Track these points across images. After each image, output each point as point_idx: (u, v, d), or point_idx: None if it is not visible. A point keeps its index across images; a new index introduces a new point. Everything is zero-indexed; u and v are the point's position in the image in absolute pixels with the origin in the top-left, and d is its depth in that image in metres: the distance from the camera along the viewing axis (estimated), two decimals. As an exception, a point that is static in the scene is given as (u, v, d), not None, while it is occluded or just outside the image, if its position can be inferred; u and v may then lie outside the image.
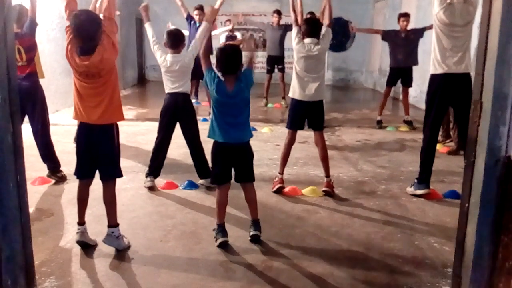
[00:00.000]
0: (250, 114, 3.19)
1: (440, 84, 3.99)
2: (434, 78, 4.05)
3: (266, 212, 3.65)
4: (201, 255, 3.04)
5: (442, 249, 3.16)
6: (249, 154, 3.20)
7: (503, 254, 2.03)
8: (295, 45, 4.07)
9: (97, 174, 3.05)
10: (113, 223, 3.04)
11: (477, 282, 2.14)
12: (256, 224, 3.24)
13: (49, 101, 4.88)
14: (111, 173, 3.04)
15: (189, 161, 4.43)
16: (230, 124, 3.06)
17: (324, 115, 4.21)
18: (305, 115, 4.11)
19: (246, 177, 3.21)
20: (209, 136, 3.13)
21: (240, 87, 3.03)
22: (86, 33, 2.80)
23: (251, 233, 3.20)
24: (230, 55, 3.01)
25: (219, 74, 3.05)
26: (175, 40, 4.14)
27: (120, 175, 3.08)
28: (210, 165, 3.27)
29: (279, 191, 4.17)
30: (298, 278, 2.78)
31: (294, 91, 4.09)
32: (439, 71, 3.97)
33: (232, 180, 3.21)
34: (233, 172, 3.20)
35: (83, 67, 2.82)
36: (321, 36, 4.03)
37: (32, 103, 4.21)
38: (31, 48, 4.17)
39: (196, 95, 8.96)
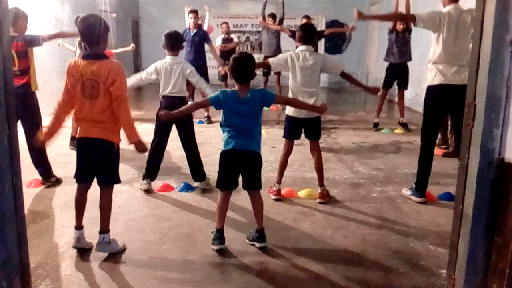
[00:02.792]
0: None
1: (436, 95, 3.94)
2: (430, 89, 4.00)
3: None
4: (197, 257, 3.04)
5: (437, 251, 3.18)
6: (260, 162, 3.16)
7: (497, 256, 2.05)
8: (291, 69, 3.91)
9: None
10: (105, 229, 3.03)
11: (471, 283, 2.15)
12: (262, 235, 3.20)
13: (45, 103, 4.89)
14: (109, 179, 3.04)
15: (186, 163, 4.43)
16: (241, 133, 3.05)
17: (320, 127, 4.10)
18: (302, 127, 4.04)
19: (254, 184, 3.18)
20: (223, 149, 3.09)
21: (254, 97, 3.04)
22: (92, 36, 2.83)
23: (259, 246, 3.16)
24: (244, 64, 3.04)
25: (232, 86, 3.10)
26: (174, 42, 4.15)
27: (117, 181, 3.08)
28: (215, 170, 3.25)
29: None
30: (294, 280, 2.78)
31: (290, 108, 3.99)
32: (436, 81, 3.92)
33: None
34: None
35: (90, 74, 2.81)
36: (328, 59, 4.02)
37: (25, 109, 4.18)
38: (24, 55, 4.15)
39: (192, 97, 8.97)
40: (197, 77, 4.26)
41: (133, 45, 7.72)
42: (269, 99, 3.12)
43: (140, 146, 2.98)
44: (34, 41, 4.24)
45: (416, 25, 3.97)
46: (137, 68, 13.86)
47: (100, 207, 3.04)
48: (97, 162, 2.98)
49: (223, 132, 3.13)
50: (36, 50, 4.38)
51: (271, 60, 4.04)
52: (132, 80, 4.18)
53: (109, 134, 2.93)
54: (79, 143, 3.01)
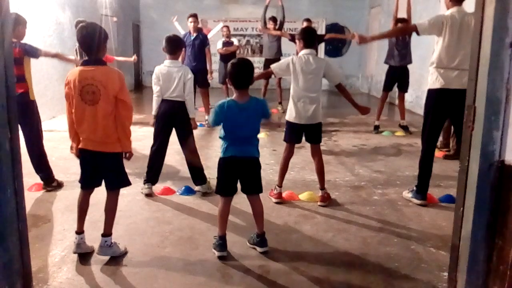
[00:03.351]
0: None
1: (436, 99, 3.94)
2: (430, 92, 3.99)
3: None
4: (198, 260, 3.04)
5: (438, 253, 3.18)
6: (259, 166, 3.15)
7: (498, 258, 2.05)
8: (292, 73, 3.89)
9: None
10: (107, 232, 3.04)
11: (472, 285, 2.15)
12: (263, 239, 3.19)
13: (46, 107, 4.91)
14: (117, 184, 3.05)
15: (186, 167, 4.44)
16: (241, 141, 3.03)
17: (321, 132, 4.10)
18: (302, 132, 4.03)
19: (255, 188, 3.16)
20: (222, 156, 3.08)
21: (255, 105, 3.02)
22: (91, 45, 2.84)
23: (260, 251, 3.15)
24: (242, 69, 3.00)
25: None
26: (173, 46, 4.15)
27: (128, 183, 3.09)
28: (215, 175, 3.23)
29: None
30: (295, 283, 2.78)
31: (291, 114, 3.97)
32: (436, 85, 3.90)
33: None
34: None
35: (90, 79, 2.81)
36: (331, 66, 3.99)
37: (25, 116, 4.17)
38: (18, 62, 4.13)
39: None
40: (190, 90, 4.21)
41: (135, 57, 7.73)
42: (265, 114, 3.09)
43: (130, 156, 3.05)
44: (33, 52, 4.24)
45: (419, 35, 3.95)
46: (138, 72, 13.90)
47: (106, 209, 3.05)
48: (104, 171, 2.99)
49: (221, 140, 3.12)
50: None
51: (273, 67, 4.03)
52: (154, 104, 4.21)
53: (112, 146, 2.93)
54: (82, 153, 2.99)
